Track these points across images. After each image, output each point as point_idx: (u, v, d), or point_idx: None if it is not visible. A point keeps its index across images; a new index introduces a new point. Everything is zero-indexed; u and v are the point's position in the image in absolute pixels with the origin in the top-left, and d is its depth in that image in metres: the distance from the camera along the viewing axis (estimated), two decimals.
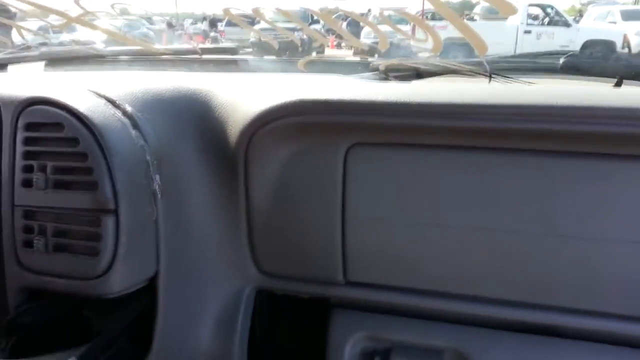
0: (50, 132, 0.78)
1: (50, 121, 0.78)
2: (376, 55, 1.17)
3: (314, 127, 0.80)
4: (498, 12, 0.93)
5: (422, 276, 0.82)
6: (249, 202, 0.85)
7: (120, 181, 0.76)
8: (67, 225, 0.78)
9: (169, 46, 1.39)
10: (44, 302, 0.87)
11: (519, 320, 0.79)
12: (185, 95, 0.89)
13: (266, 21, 1.19)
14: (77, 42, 1.46)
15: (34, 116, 0.79)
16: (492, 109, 0.72)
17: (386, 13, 1.12)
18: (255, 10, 1.11)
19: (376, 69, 1.09)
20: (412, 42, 1.15)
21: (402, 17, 1.10)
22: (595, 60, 1.06)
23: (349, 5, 1.14)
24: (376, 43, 1.14)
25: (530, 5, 10.64)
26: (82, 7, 1.19)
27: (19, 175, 0.80)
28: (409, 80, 1.05)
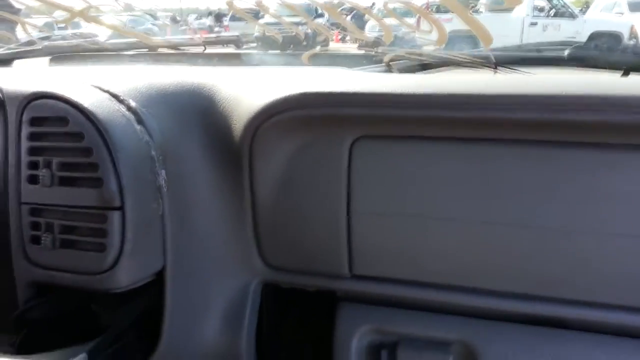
0: (55, 126, 0.78)
1: (55, 115, 0.78)
2: (380, 48, 1.17)
3: (319, 120, 0.80)
4: (503, 3, 0.93)
5: (427, 269, 0.81)
6: (254, 196, 0.85)
7: (126, 177, 0.76)
8: (73, 222, 0.79)
9: (173, 38, 1.39)
10: (52, 297, 0.87)
11: (524, 313, 0.79)
12: (189, 89, 0.89)
13: (270, 14, 1.19)
14: (81, 37, 1.46)
15: (39, 110, 0.79)
16: (498, 99, 0.71)
17: (391, 5, 1.11)
18: (259, 3, 1.11)
19: (380, 61, 1.09)
20: (416, 35, 1.15)
21: (407, 10, 1.10)
22: (601, 51, 1.06)
23: None
24: (381, 36, 1.14)
25: None
26: (86, 1, 1.20)
27: (24, 172, 0.80)
28: (414, 73, 1.04)
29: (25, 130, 0.79)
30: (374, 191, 0.81)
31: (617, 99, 0.67)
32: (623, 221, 0.72)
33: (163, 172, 0.82)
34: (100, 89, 0.84)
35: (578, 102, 0.68)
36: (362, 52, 1.23)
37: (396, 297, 0.84)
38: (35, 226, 0.81)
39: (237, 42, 1.35)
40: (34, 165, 0.79)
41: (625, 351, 0.76)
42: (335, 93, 0.77)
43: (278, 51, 1.39)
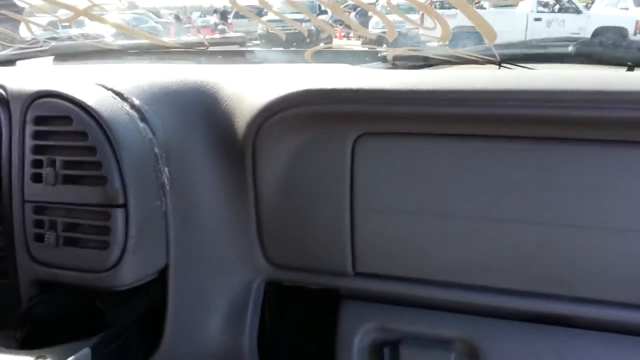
0: (59, 125, 0.78)
1: (59, 114, 0.78)
2: (384, 45, 1.16)
3: (322, 117, 0.80)
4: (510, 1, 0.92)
5: (431, 266, 0.81)
6: (258, 194, 0.85)
7: (129, 175, 0.76)
8: (77, 220, 0.79)
9: (176, 39, 1.39)
10: (56, 294, 0.88)
11: (529, 310, 0.79)
12: (193, 87, 0.89)
13: (273, 12, 1.18)
14: (85, 37, 1.47)
15: (43, 109, 0.79)
16: (502, 95, 0.71)
17: (394, 2, 1.10)
18: (262, 1, 1.11)
19: (384, 58, 1.08)
20: (420, 31, 1.14)
21: (411, 6, 1.09)
22: (606, 47, 1.05)
23: None
24: (385, 33, 1.13)
25: None
26: (90, 0, 1.20)
27: (28, 170, 0.80)
28: (418, 69, 1.04)
29: (29, 129, 0.80)
30: (377, 188, 0.80)
31: (621, 94, 0.66)
32: (628, 217, 0.72)
33: (166, 169, 0.82)
34: (104, 87, 0.84)
35: (582, 99, 0.67)
36: (365, 49, 1.23)
37: (399, 294, 0.84)
38: (38, 224, 0.81)
39: (241, 42, 1.35)
40: (37, 164, 0.80)
41: (628, 349, 0.75)
42: (338, 90, 0.77)
43: (281, 48, 1.39)
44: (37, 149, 0.80)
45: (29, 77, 0.89)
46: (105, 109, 0.78)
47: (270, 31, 1.30)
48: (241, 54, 1.29)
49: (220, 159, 0.86)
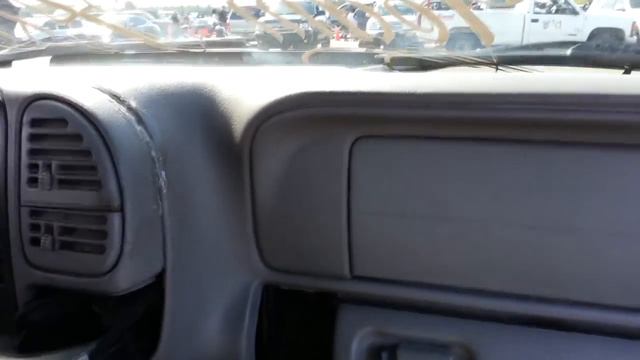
0: (55, 128, 0.78)
1: (55, 117, 0.78)
2: (382, 47, 1.16)
3: (319, 119, 0.80)
4: (504, 1, 0.92)
5: (429, 270, 0.81)
6: (255, 197, 0.85)
7: (126, 178, 0.76)
8: (73, 224, 0.79)
9: (173, 40, 1.39)
10: (53, 298, 0.87)
11: (527, 314, 0.78)
12: (190, 90, 0.89)
13: (271, 13, 1.18)
14: (82, 37, 1.46)
15: (39, 112, 0.79)
16: (499, 98, 0.71)
17: (392, 3, 1.10)
18: (259, 2, 1.11)
19: (381, 60, 1.08)
20: (417, 33, 1.14)
21: (408, 8, 1.09)
22: (603, 49, 1.05)
23: None
24: (382, 34, 1.13)
25: None
26: (86, 1, 1.19)
27: (24, 174, 0.80)
28: (415, 72, 1.04)
29: (25, 132, 0.79)
30: (374, 191, 0.80)
31: (618, 97, 0.66)
32: (627, 221, 0.72)
33: (163, 173, 0.82)
34: (101, 89, 0.84)
35: (579, 102, 0.67)
36: (362, 50, 1.23)
37: (397, 298, 0.84)
38: (34, 228, 0.80)
39: (238, 44, 1.35)
40: (33, 167, 0.79)
41: (626, 352, 0.75)
42: (335, 92, 0.77)
43: (279, 50, 1.39)
44: (33, 152, 0.79)
45: (26, 79, 0.89)
46: (102, 112, 0.77)
47: (268, 32, 1.30)
48: (238, 55, 1.29)
49: (217, 162, 0.86)
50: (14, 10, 1.29)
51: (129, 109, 0.82)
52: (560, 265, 0.75)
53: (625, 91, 0.67)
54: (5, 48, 1.32)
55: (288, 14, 1.23)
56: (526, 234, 0.75)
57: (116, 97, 0.83)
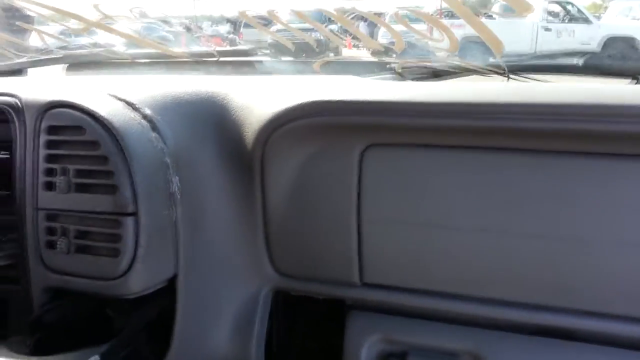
0: (72, 135, 0.80)
1: (72, 124, 0.79)
2: (393, 56, 1.17)
3: (330, 128, 0.80)
4: (515, 11, 0.92)
5: (438, 278, 0.81)
6: (266, 204, 0.86)
7: (140, 184, 0.77)
8: (88, 227, 0.80)
9: (187, 48, 1.41)
10: (67, 300, 0.88)
11: (534, 323, 0.78)
12: (203, 98, 0.90)
13: (282, 23, 1.19)
14: (96, 45, 1.48)
15: (56, 119, 0.81)
16: (511, 108, 0.71)
17: (402, 12, 1.11)
18: (270, 12, 1.12)
19: (392, 70, 1.09)
20: (429, 42, 1.15)
21: (419, 17, 1.10)
22: (615, 58, 1.05)
23: (365, 5, 1.14)
24: (393, 43, 1.14)
25: (550, 2, 10.48)
26: (101, 12, 1.21)
27: (41, 179, 0.81)
28: (426, 80, 1.04)
29: (43, 138, 0.81)
30: (384, 199, 0.81)
31: (628, 108, 0.66)
32: (635, 231, 0.71)
33: (176, 179, 0.83)
34: (116, 97, 0.85)
35: (589, 112, 0.68)
36: (373, 59, 1.23)
37: (406, 306, 0.84)
38: (51, 231, 0.82)
39: (250, 53, 1.36)
40: (50, 172, 0.81)
41: None
42: (345, 101, 0.78)
43: (290, 59, 1.40)
44: (50, 158, 0.81)
45: (43, 87, 0.91)
46: (117, 119, 0.79)
47: (280, 41, 1.31)
48: (251, 64, 1.30)
49: (229, 169, 0.87)
50: (29, 19, 1.31)
51: (144, 116, 0.83)
52: (568, 275, 0.75)
53: (635, 102, 0.67)
54: (22, 56, 1.34)
55: (300, 23, 1.24)
56: (535, 243, 0.75)
57: (131, 105, 0.84)
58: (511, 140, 0.74)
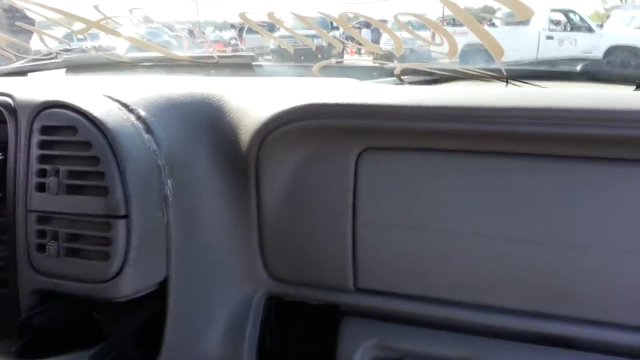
0: (64, 135, 0.79)
1: (65, 124, 0.79)
2: (395, 61, 1.17)
3: (325, 131, 0.80)
4: (514, 16, 0.92)
5: (434, 284, 0.80)
6: (260, 207, 0.85)
7: (132, 186, 0.77)
8: (79, 230, 0.79)
9: (187, 52, 1.41)
10: (56, 303, 0.88)
11: (533, 331, 0.77)
12: (198, 100, 0.90)
13: (284, 27, 1.19)
14: (97, 49, 1.49)
15: (49, 119, 0.80)
16: (509, 112, 0.70)
17: (405, 19, 1.11)
18: (271, 16, 1.12)
19: (391, 74, 1.09)
20: (431, 48, 1.15)
21: (422, 23, 1.10)
22: (615, 65, 1.05)
23: (368, 11, 1.14)
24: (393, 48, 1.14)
25: (553, 10, 10.50)
26: (101, 12, 1.22)
27: (34, 180, 0.81)
28: (425, 85, 1.04)
29: (36, 138, 0.80)
30: (380, 203, 0.80)
31: (627, 113, 0.66)
32: (636, 237, 0.71)
33: (170, 181, 0.82)
34: (111, 98, 0.85)
35: (588, 116, 0.67)
36: (372, 64, 1.23)
37: (401, 312, 0.83)
38: (41, 234, 0.81)
39: (251, 58, 1.36)
40: (42, 173, 0.80)
41: None
42: (342, 104, 0.77)
43: (290, 63, 1.40)
44: (42, 159, 0.80)
45: (38, 87, 0.91)
46: (111, 120, 0.78)
47: (282, 47, 1.31)
48: (250, 67, 1.30)
49: (223, 171, 0.86)
50: (30, 21, 1.31)
51: (138, 117, 0.83)
52: (567, 282, 0.74)
53: (635, 107, 0.66)
54: (23, 58, 1.35)
55: (303, 29, 1.24)
56: (533, 249, 0.74)
57: (125, 106, 0.84)
58: (509, 144, 0.74)
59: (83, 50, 1.54)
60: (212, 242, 0.88)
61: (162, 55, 1.30)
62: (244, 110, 0.86)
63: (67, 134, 0.79)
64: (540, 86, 0.95)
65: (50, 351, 0.80)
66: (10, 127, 0.83)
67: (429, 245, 0.79)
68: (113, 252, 0.77)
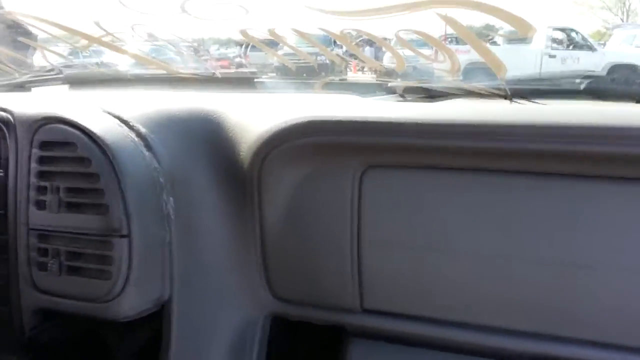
0: (64, 151, 0.78)
1: (64, 140, 0.78)
2: (398, 79, 1.17)
3: (327, 148, 0.79)
4: (517, 33, 0.92)
5: (441, 305, 0.79)
6: (262, 225, 0.84)
7: (132, 204, 0.76)
8: (79, 249, 0.78)
9: (192, 70, 1.42)
10: (60, 321, 0.87)
11: (541, 353, 0.75)
12: (199, 116, 0.89)
13: (288, 45, 1.20)
14: (100, 65, 1.50)
15: (48, 134, 0.80)
16: (512, 129, 0.69)
17: (407, 36, 1.11)
18: (274, 34, 1.12)
19: (394, 91, 1.08)
20: (433, 65, 1.15)
21: (425, 42, 1.10)
22: (618, 83, 1.04)
23: (370, 28, 1.14)
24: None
25: (555, 29, 10.58)
26: (103, 29, 1.22)
27: (33, 196, 0.80)
28: (427, 102, 1.03)
29: (34, 154, 0.80)
30: (384, 221, 0.79)
31: (631, 130, 0.65)
32: None
33: (171, 199, 0.81)
34: (111, 114, 0.84)
35: (591, 134, 0.66)
36: (375, 81, 1.23)
37: (408, 333, 0.81)
38: (42, 252, 0.80)
39: (254, 76, 1.37)
40: (42, 190, 0.79)
41: None
42: (343, 121, 0.76)
43: (293, 79, 1.40)
44: (41, 175, 0.80)
45: (38, 102, 0.90)
46: (110, 136, 0.78)
47: (285, 64, 1.32)
48: (252, 84, 1.30)
49: (224, 188, 0.86)
50: (31, 36, 1.32)
51: (138, 134, 0.82)
52: (576, 304, 0.72)
53: (636, 124, 0.66)
54: (24, 73, 1.35)
55: (307, 46, 1.25)
56: (542, 268, 0.73)
57: (125, 123, 0.83)
58: (513, 162, 0.73)
59: (85, 66, 1.54)
60: (213, 261, 0.86)
61: (164, 71, 1.30)
62: (244, 127, 0.85)
63: (67, 149, 0.78)
64: (544, 104, 0.95)
65: None
66: (10, 143, 0.82)
67: (434, 265, 0.77)
68: (114, 271, 0.76)
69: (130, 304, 0.78)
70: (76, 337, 0.90)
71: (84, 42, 1.23)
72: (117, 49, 1.30)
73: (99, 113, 0.84)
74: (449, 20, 0.94)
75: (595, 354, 0.73)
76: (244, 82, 1.32)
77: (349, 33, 1.14)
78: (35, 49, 1.37)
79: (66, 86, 1.39)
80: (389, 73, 1.21)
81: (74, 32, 1.22)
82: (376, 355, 0.83)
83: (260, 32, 1.20)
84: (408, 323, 0.81)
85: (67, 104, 0.89)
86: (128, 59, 1.41)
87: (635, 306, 0.70)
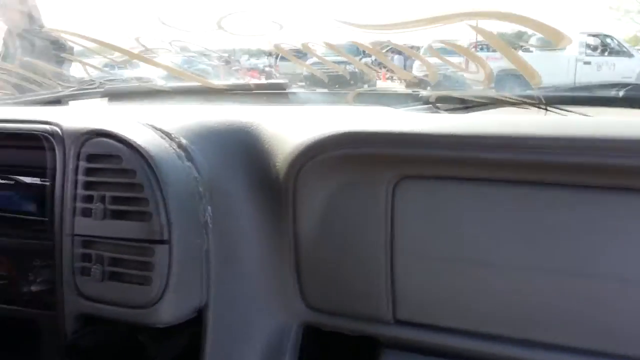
0: (109, 163, 0.81)
1: (110, 153, 0.81)
2: (428, 88, 1.16)
3: (361, 159, 0.80)
4: (551, 43, 0.91)
5: (475, 317, 0.78)
6: (297, 235, 0.85)
7: (173, 212, 0.78)
8: (121, 255, 0.81)
9: (224, 82, 1.45)
10: (100, 327, 0.89)
11: None
12: (237, 128, 0.91)
13: (316, 56, 1.21)
14: (138, 79, 1.54)
15: (95, 148, 0.83)
16: (548, 142, 0.69)
17: (437, 45, 1.11)
18: (305, 45, 1.14)
19: (426, 101, 1.08)
20: (465, 74, 1.14)
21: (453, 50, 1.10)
22: None
23: (399, 39, 1.15)
24: (427, 76, 1.14)
25: (589, 35, 10.37)
26: (142, 45, 1.26)
27: (79, 205, 0.83)
28: (460, 112, 1.03)
29: (82, 166, 0.83)
30: (417, 233, 0.79)
31: None
32: None
33: (209, 208, 0.84)
34: (153, 127, 0.87)
35: (631, 148, 0.65)
36: (407, 91, 1.23)
37: (441, 345, 0.81)
38: (86, 258, 0.83)
39: (285, 85, 1.39)
40: (88, 199, 0.83)
41: None
42: (378, 132, 0.77)
43: (324, 90, 1.41)
44: (88, 185, 0.83)
45: (83, 116, 0.94)
46: (154, 148, 0.81)
47: (315, 74, 1.33)
48: (285, 95, 1.32)
49: (260, 199, 0.87)
50: (68, 50, 1.36)
51: (179, 145, 0.85)
52: (616, 318, 0.70)
53: None
54: (65, 87, 1.40)
55: (335, 55, 1.26)
56: (578, 282, 0.72)
57: (167, 135, 0.86)
58: (551, 174, 0.72)
59: (124, 80, 1.59)
60: (249, 269, 0.88)
61: (199, 84, 1.33)
62: (280, 138, 0.87)
63: (112, 161, 0.81)
64: (581, 113, 0.93)
65: None
66: (58, 154, 0.86)
67: (469, 276, 0.77)
68: (154, 277, 0.78)
69: (170, 310, 0.80)
70: (115, 343, 0.92)
71: (123, 56, 1.27)
72: (152, 63, 1.34)
73: (142, 126, 0.87)
74: (480, 31, 0.94)
75: None
76: (277, 93, 1.34)
77: (376, 42, 1.15)
78: (71, 62, 1.42)
79: (104, 99, 1.43)
80: (420, 83, 1.21)
81: (112, 47, 1.26)
82: None
83: (290, 43, 1.22)
84: (441, 335, 0.81)
85: (111, 117, 0.92)
86: (162, 72, 1.45)
87: None
